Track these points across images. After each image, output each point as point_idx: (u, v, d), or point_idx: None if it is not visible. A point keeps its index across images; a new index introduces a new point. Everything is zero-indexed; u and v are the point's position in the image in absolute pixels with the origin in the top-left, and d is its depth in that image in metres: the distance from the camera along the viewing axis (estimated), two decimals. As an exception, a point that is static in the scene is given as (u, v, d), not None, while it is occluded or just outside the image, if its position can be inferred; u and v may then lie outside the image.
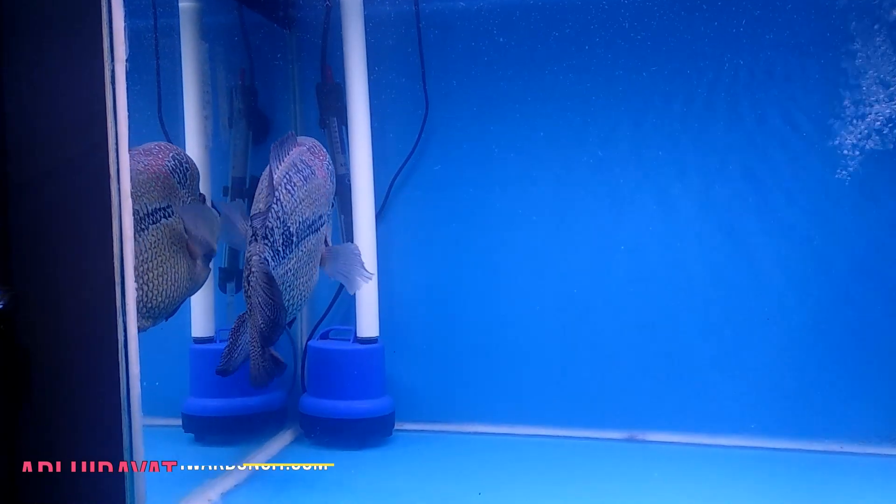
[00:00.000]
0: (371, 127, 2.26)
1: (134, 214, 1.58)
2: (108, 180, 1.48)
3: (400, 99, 2.41)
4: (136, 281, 1.57)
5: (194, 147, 2.20)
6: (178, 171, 1.72)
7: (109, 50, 1.48)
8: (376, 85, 2.30)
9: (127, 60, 1.47)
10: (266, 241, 1.63)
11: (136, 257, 1.57)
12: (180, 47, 2.16)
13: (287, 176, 1.72)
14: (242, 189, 2.40)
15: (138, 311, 1.60)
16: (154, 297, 1.63)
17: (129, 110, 1.47)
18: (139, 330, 1.66)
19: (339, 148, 2.37)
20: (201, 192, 1.85)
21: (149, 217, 1.62)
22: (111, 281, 1.48)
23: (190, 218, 1.74)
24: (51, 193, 1.49)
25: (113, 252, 1.47)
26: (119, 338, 1.47)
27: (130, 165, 1.62)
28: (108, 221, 1.48)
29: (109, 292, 1.48)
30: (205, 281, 1.85)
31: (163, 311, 1.70)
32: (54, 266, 1.48)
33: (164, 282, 1.65)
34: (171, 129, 2.21)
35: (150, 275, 1.62)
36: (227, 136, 2.37)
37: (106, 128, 1.47)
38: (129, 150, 1.70)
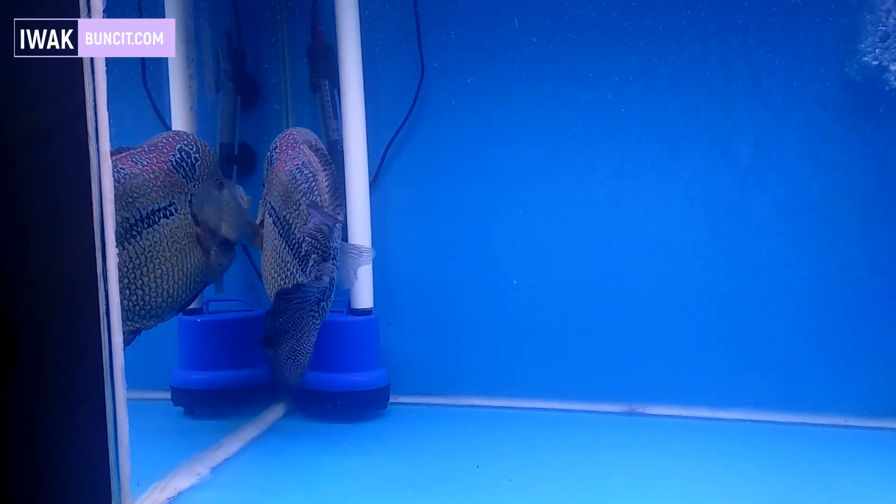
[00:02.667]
0: (364, 90, 2.17)
1: (125, 221, 1.58)
2: (87, 141, 1.40)
3: (394, 60, 2.32)
4: (131, 286, 1.59)
5: (179, 110, 2.11)
6: (183, 165, 1.70)
7: (86, 1, 1.40)
8: (369, 46, 2.21)
9: (104, 11, 1.39)
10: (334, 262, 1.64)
11: (129, 263, 1.58)
12: (163, 4, 2.06)
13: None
14: (231, 156, 2.32)
15: (138, 314, 1.62)
16: (154, 299, 1.64)
17: (109, 68, 1.39)
18: (144, 329, 1.65)
19: (330, 112, 2.28)
20: (218, 178, 1.82)
21: (143, 221, 1.62)
22: (91, 247, 1.41)
23: (200, 208, 1.72)
24: (29, 161, 1.42)
25: (93, 216, 1.40)
26: (101, 307, 1.41)
27: (128, 167, 1.59)
28: (88, 185, 1.41)
29: (90, 259, 1.41)
30: (226, 266, 1.85)
31: (168, 308, 1.69)
32: (36, 235, 1.42)
33: (166, 282, 1.65)
34: (154, 91, 2.12)
35: (147, 278, 1.62)
36: (214, 100, 2.28)
37: (83, 87, 1.40)
38: (136, 146, 1.68)
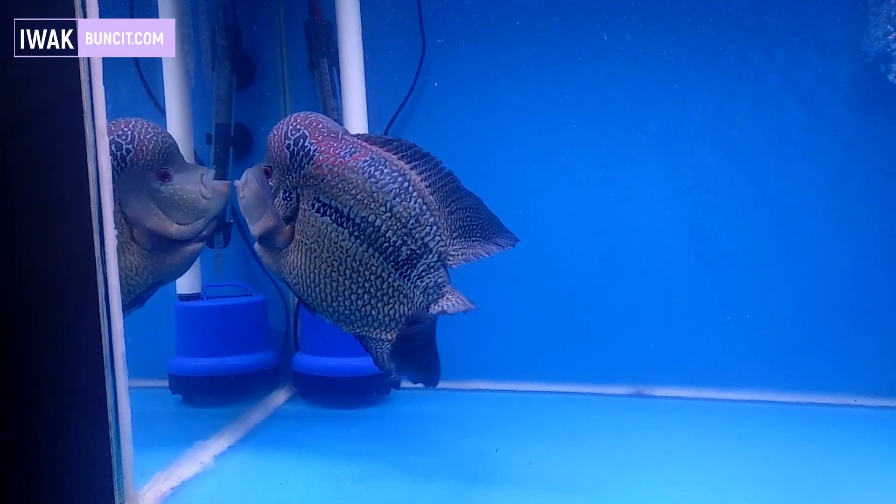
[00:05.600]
0: (364, 68, 2.11)
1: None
2: (83, 118, 1.34)
3: (395, 38, 2.25)
4: None
5: (172, 90, 2.04)
6: (112, 158, 1.51)
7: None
8: (368, 22, 2.14)
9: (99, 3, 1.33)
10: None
11: None
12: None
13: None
14: (227, 137, 2.25)
15: None
16: None
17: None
18: None
19: (329, 91, 2.22)
20: (164, 169, 1.63)
21: None
22: (88, 229, 1.36)
23: (126, 204, 1.57)
24: (19, 141, 1.36)
25: (90, 196, 1.34)
26: (99, 291, 1.36)
27: None
28: (84, 164, 1.35)
29: (87, 242, 1.36)
30: (183, 265, 1.68)
31: None
32: (28, 219, 1.36)
33: None
34: (146, 70, 2.05)
35: None
36: (209, 79, 2.20)
37: (77, 62, 1.33)
38: None
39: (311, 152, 1.51)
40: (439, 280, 1.50)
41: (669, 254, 2.21)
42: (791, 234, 2.15)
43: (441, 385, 2.26)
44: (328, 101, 2.21)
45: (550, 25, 2.21)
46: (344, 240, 1.49)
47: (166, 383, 2.16)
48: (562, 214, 2.25)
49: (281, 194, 1.55)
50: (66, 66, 1.33)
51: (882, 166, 2.08)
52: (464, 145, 2.28)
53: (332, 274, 1.51)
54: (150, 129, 1.61)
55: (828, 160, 2.11)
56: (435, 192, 1.50)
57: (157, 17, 1.98)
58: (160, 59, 2.05)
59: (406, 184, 1.47)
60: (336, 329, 2.07)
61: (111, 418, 1.37)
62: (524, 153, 2.25)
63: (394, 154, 1.50)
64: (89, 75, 1.34)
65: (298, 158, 1.52)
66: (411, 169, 1.50)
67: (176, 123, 2.03)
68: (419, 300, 1.50)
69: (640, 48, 2.17)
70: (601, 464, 1.66)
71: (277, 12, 2.33)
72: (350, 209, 1.48)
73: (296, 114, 1.58)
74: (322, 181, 1.50)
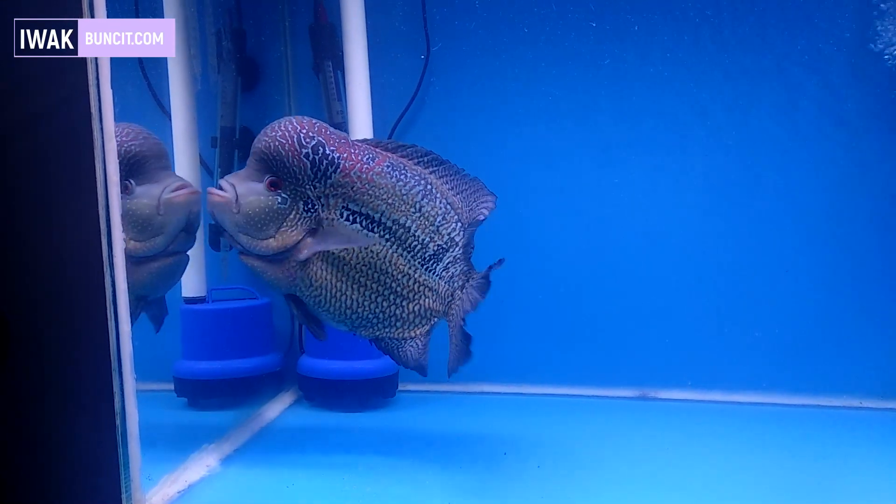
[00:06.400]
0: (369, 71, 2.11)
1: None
2: (90, 120, 1.34)
3: (399, 41, 2.25)
4: None
5: (178, 93, 2.03)
6: None
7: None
8: (373, 25, 2.14)
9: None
10: None
11: None
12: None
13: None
14: (232, 140, 2.25)
15: None
16: None
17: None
18: None
19: (334, 94, 2.22)
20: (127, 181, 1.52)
21: None
22: (96, 231, 1.35)
23: None
24: (26, 143, 1.35)
25: (97, 199, 1.34)
26: (107, 293, 1.36)
27: None
28: (92, 167, 1.35)
29: (95, 245, 1.36)
30: (150, 282, 1.60)
31: None
32: (31, 222, 1.36)
33: None
34: (151, 72, 2.04)
35: None
36: (215, 82, 2.20)
37: (85, 63, 1.34)
38: None
39: (335, 160, 1.47)
40: (463, 269, 1.58)
41: (675, 256, 2.20)
42: (797, 238, 2.14)
43: (446, 388, 2.30)
44: (333, 103, 2.22)
45: (556, 27, 2.21)
46: (375, 244, 1.50)
47: (171, 386, 2.15)
48: (567, 217, 2.25)
49: (301, 206, 1.48)
50: (73, 68, 1.33)
51: (891, 168, 2.07)
52: (468, 148, 2.27)
53: (361, 279, 1.52)
54: (119, 135, 1.50)
55: (836, 161, 2.11)
56: (458, 193, 1.57)
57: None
58: (166, 62, 2.05)
59: (429, 186, 1.52)
60: (341, 332, 2.07)
61: (118, 421, 1.37)
62: (531, 156, 2.25)
63: (408, 160, 1.54)
64: (97, 78, 1.34)
65: (322, 168, 1.47)
66: (430, 174, 1.55)
67: (181, 127, 2.03)
68: (444, 289, 1.57)
69: (650, 49, 2.17)
70: (610, 467, 1.66)
71: (282, 15, 2.33)
72: (382, 214, 1.49)
73: (289, 120, 1.49)
74: (352, 189, 1.48)
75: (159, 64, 2.07)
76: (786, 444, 1.82)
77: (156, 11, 2.02)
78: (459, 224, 1.55)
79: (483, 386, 2.30)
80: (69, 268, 1.36)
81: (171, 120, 2.04)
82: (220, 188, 1.49)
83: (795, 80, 2.11)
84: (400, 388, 2.22)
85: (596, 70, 2.20)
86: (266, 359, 2.18)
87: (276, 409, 2.14)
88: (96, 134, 1.33)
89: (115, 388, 1.37)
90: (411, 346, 1.57)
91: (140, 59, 2.11)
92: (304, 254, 1.49)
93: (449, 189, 1.55)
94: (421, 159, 1.55)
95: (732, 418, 2.04)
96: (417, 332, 1.59)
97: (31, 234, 1.36)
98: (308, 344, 2.24)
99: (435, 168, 1.56)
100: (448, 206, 1.54)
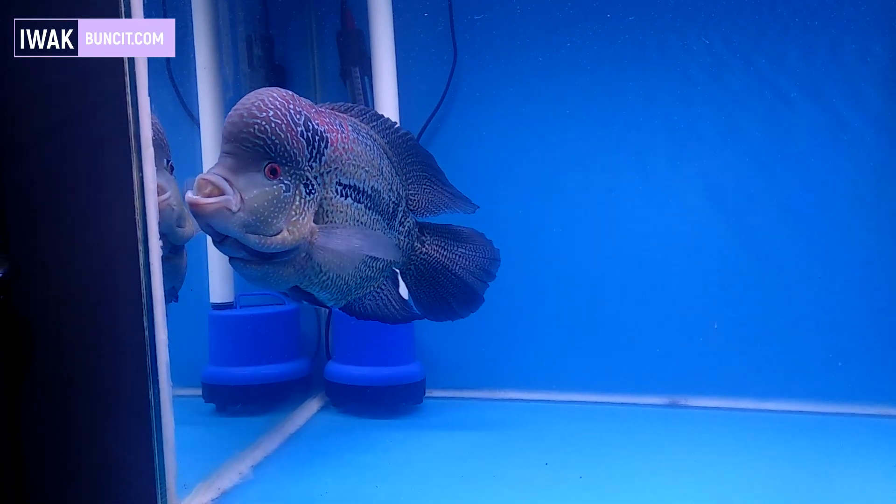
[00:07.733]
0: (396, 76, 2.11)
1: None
2: (127, 126, 1.34)
3: (426, 46, 2.25)
4: None
5: (207, 98, 2.04)
6: None
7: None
8: (400, 30, 2.14)
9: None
10: None
11: None
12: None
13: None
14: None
15: None
16: None
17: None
18: None
19: (361, 100, 2.22)
20: None
21: None
22: (133, 238, 1.36)
23: None
24: (61, 150, 1.36)
25: (134, 206, 1.34)
26: (143, 301, 1.36)
27: None
28: (129, 174, 1.35)
29: (132, 252, 1.36)
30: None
31: None
32: (60, 226, 1.36)
33: None
34: (179, 78, 2.05)
35: None
36: (245, 89, 2.21)
37: (123, 66, 1.34)
38: None
39: (324, 135, 1.34)
40: (412, 220, 1.56)
41: (707, 264, 2.18)
42: (825, 245, 2.11)
43: (472, 394, 2.29)
44: (360, 109, 2.21)
45: (584, 33, 2.20)
46: (362, 214, 1.42)
47: (199, 392, 2.16)
48: (597, 223, 2.23)
49: (302, 191, 1.31)
50: (110, 74, 1.33)
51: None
52: (496, 152, 2.27)
53: (354, 260, 1.43)
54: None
55: (853, 172, 2.09)
56: (392, 147, 1.52)
57: (193, 27, 1.99)
58: (195, 69, 2.05)
59: (376, 144, 1.48)
60: (368, 338, 2.05)
61: (154, 430, 1.37)
62: (559, 160, 2.24)
63: (355, 117, 1.49)
64: (134, 83, 1.35)
65: (317, 144, 1.32)
66: (372, 129, 1.50)
67: (209, 133, 2.03)
68: (405, 243, 1.54)
69: (673, 52, 2.16)
70: (654, 480, 1.62)
71: (309, 22, 2.33)
72: (363, 182, 1.42)
73: (267, 94, 1.27)
74: (341, 162, 1.37)
75: (188, 71, 2.07)
76: (820, 452, 1.79)
77: (185, 19, 2.03)
78: (399, 178, 1.52)
79: (510, 392, 2.28)
80: (106, 276, 1.36)
81: (199, 127, 2.04)
82: (214, 186, 1.21)
83: (817, 89, 2.08)
84: (426, 394, 2.21)
85: (629, 76, 2.19)
86: (294, 364, 2.18)
87: (304, 415, 2.14)
88: (133, 141, 1.34)
89: (151, 396, 1.37)
90: (381, 294, 1.54)
91: (168, 67, 2.12)
92: (318, 240, 1.34)
93: (386, 143, 1.51)
94: (363, 116, 1.49)
95: (764, 426, 2.01)
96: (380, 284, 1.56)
97: (66, 241, 1.37)
98: (335, 349, 2.23)
99: (374, 122, 1.50)
100: (390, 162, 1.50)
